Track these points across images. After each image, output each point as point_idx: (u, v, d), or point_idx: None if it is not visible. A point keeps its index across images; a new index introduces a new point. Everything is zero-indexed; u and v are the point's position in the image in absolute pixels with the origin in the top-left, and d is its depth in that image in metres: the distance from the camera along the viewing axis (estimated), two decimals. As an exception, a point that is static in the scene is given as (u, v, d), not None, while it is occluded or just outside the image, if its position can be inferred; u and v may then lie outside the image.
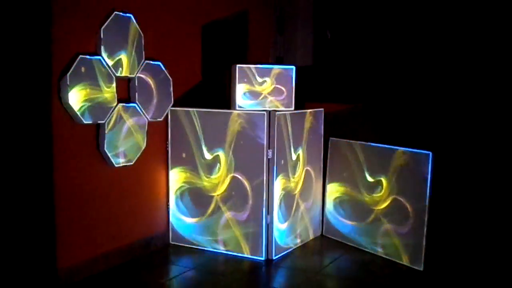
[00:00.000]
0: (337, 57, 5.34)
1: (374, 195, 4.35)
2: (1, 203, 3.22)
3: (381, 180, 4.29)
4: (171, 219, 4.48)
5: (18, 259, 3.31)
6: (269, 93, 4.39)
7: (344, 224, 4.64)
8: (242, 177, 4.20)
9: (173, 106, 4.38)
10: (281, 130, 4.19)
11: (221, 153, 4.24)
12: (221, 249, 4.33)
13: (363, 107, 5.00)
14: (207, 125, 4.28)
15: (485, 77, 4.47)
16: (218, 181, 4.28)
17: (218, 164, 4.26)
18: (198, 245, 4.40)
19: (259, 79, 4.35)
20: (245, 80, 4.31)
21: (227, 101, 4.41)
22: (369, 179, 4.39)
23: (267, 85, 4.38)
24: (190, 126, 4.33)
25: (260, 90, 4.36)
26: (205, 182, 4.32)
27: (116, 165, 3.89)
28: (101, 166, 3.83)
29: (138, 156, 4.08)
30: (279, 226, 4.26)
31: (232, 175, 4.22)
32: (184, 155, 4.37)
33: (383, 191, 4.28)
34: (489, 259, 4.11)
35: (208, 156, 4.29)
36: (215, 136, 4.25)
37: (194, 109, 4.32)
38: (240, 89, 4.30)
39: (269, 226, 4.18)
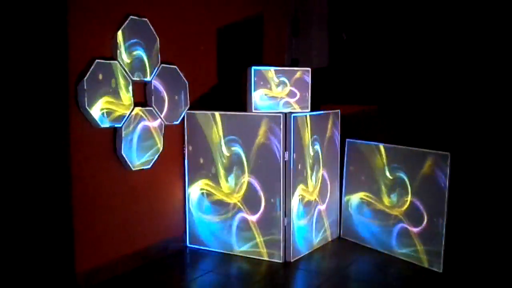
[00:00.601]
0: (352, 59, 5.31)
1: (393, 197, 4.32)
2: (19, 208, 3.25)
3: (400, 182, 4.25)
4: (188, 221, 4.49)
5: (36, 264, 3.34)
6: (285, 95, 4.38)
7: (362, 226, 4.61)
8: (260, 179, 4.19)
9: (189, 109, 4.39)
10: (298, 132, 4.17)
11: (239, 155, 4.24)
12: (239, 251, 4.33)
13: (378, 109, 4.97)
14: (225, 127, 4.28)
15: (503, 78, 4.41)
16: (237, 183, 4.27)
17: (236, 166, 4.26)
18: (215, 248, 4.41)
19: (276, 81, 4.34)
20: (261, 82, 4.30)
21: (243, 103, 4.41)
22: (388, 180, 4.35)
23: (283, 87, 4.37)
24: (207, 129, 4.33)
25: (276, 92, 4.35)
26: (223, 185, 4.33)
27: (133, 169, 3.90)
28: (118, 169, 3.85)
29: (155, 159, 4.10)
30: (297, 228, 4.24)
31: (250, 177, 4.22)
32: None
33: (402, 192, 4.24)
34: (509, 261, 4.06)
35: (226, 158, 4.29)
36: (233, 138, 4.25)
37: (212, 112, 4.33)
38: (256, 91, 4.29)
39: (287, 228, 4.17)
